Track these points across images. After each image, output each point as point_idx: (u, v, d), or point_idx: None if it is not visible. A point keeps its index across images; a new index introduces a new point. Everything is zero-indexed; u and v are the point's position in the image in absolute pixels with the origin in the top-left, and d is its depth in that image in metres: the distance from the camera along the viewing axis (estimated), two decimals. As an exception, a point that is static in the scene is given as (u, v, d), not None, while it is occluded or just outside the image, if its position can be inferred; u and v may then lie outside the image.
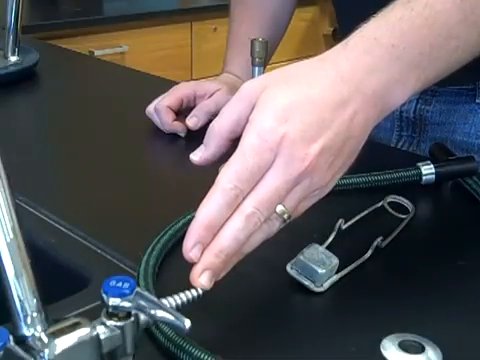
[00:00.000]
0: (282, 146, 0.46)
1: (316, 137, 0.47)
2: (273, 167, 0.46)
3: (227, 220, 0.46)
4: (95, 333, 0.38)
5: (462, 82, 0.84)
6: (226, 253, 0.46)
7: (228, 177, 0.46)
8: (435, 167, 0.69)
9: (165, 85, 0.92)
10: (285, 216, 0.48)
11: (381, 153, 0.84)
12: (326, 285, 0.53)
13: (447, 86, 0.86)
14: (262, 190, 0.46)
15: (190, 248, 0.45)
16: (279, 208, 0.47)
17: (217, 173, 0.73)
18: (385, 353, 0.45)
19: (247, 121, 0.48)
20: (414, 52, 0.50)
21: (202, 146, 0.51)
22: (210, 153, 0.51)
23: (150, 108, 0.87)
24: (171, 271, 0.55)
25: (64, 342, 0.37)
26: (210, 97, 0.87)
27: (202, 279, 0.45)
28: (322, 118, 0.47)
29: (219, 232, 0.46)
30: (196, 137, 0.86)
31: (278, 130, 0.46)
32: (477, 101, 0.84)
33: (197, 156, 0.51)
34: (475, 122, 0.85)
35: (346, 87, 0.48)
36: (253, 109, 0.48)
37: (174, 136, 0.85)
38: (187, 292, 0.44)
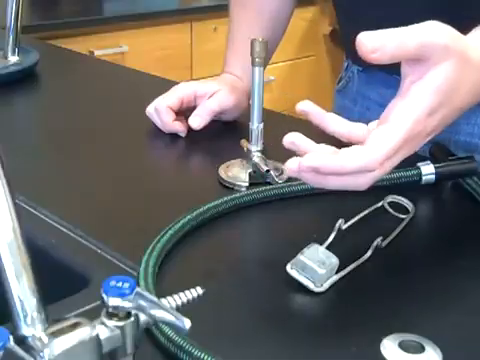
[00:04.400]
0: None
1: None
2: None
3: None
4: (95, 333, 0.38)
5: None
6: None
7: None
8: (435, 167, 0.69)
9: (165, 85, 0.92)
10: None
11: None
12: (326, 285, 0.53)
13: None
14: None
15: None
16: None
17: (217, 174, 0.74)
18: (385, 353, 0.45)
19: None
20: None
21: None
22: None
23: (150, 108, 0.87)
24: (171, 271, 0.55)
25: (64, 342, 0.37)
26: (210, 97, 0.87)
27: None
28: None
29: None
30: (196, 137, 0.86)
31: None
32: None
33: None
34: (478, 122, 0.84)
35: None
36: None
37: (174, 136, 0.85)
38: (187, 292, 0.44)
